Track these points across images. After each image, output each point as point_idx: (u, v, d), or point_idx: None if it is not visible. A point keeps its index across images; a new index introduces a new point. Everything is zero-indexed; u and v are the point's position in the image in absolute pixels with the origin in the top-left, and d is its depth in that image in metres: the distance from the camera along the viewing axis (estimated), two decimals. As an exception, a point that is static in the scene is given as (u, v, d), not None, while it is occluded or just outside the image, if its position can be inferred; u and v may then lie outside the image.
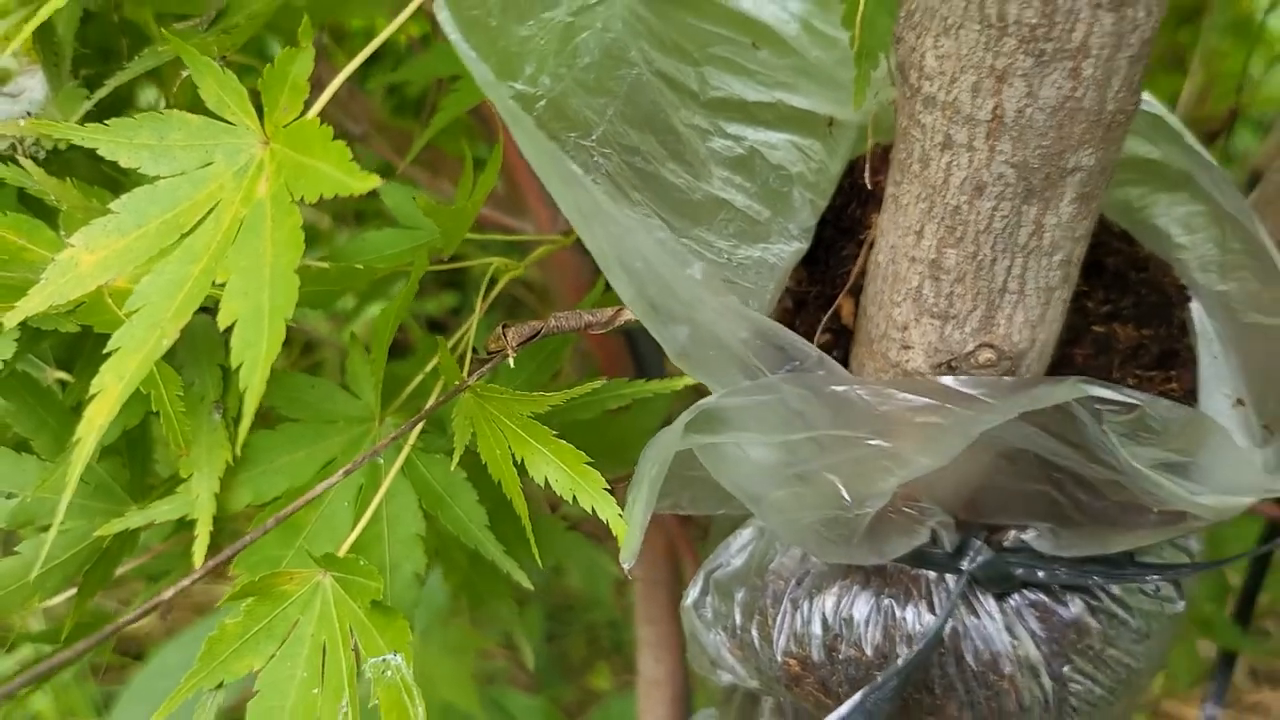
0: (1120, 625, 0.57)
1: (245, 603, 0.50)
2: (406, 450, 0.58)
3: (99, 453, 0.59)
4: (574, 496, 0.51)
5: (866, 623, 0.57)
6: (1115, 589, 0.57)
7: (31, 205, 0.55)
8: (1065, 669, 0.57)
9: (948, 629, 0.56)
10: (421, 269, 0.55)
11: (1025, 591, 0.57)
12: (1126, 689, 0.59)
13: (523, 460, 0.52)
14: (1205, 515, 0.50)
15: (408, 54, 1.11)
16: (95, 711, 1.56)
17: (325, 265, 0.56)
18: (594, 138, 0.50)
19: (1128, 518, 0.52)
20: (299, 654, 0.50)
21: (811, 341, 0.57)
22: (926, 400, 0.47)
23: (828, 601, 0.58)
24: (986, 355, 0.51)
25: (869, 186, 0.59)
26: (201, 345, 0.57)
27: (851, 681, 0.58)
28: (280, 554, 0.56)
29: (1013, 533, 0.56)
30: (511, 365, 0.53)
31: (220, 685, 0.51)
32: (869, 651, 0.57)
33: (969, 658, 0.56)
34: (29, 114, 0.57)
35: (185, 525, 0.57)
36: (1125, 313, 0.61)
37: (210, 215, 0.43)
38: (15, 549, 0.57)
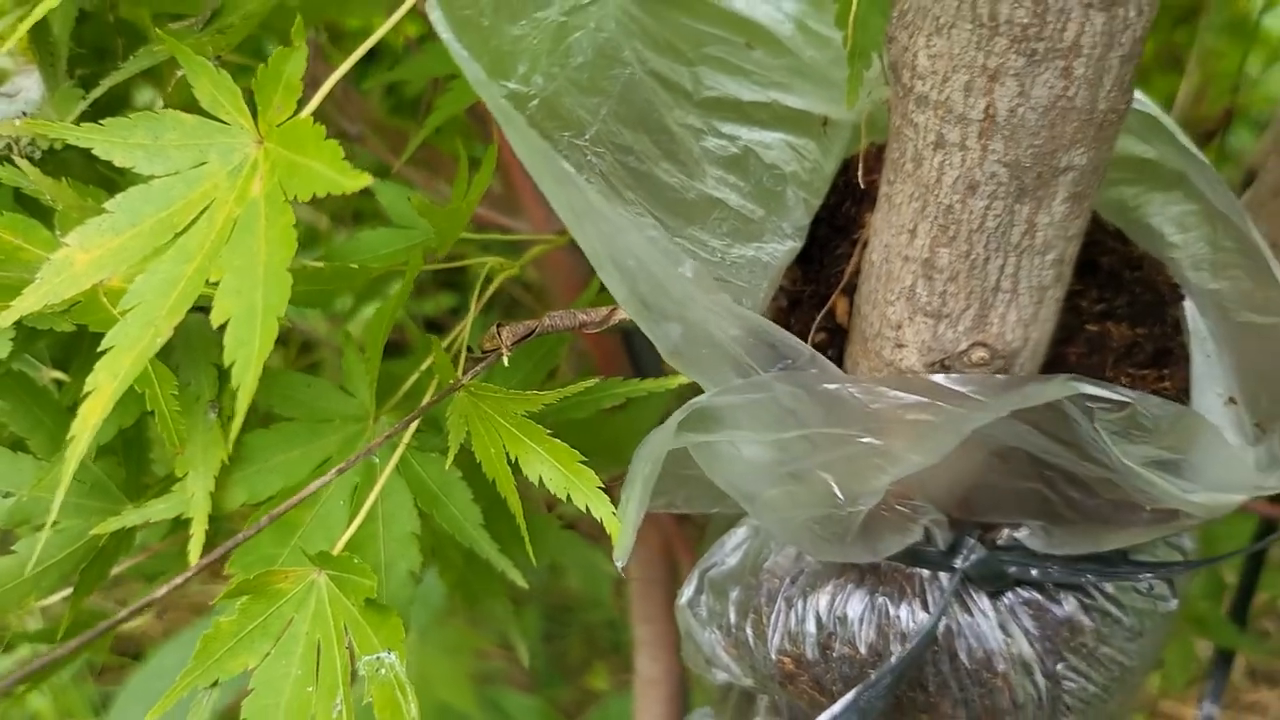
0: (1114, 623, 0.57)
1: (240, 601, 0.51)
2: (401, 449, 0.58)
3: (95, 452, 0.59)
4: (568, 495, 0.51)
5: (860, 621, 0.57)
6: (1109, 587, 0.57)
7: (27, 205, 0.55)
8: (1059, 667, 0.57)
9: (941, 627, 0.56)
10: (416, 268, 0.55)
11: (1019, 589, 0.57)
12: (1120, 687, 0.59)
13: (517, 459, 0.52)
14: (1197, 513, 0.50)
15: (405, 54, 1.11)
16: (93, 712, 1.56)
17: (320, 265, 0.56)
18: (587, 137, 0.50)
19: (1120, 516, 0.52)
20: (294, 652, 0.50)
21: (806, 340, 0.57)
22: (917, 398, 0.47)
23: (822, 600, 0.58)
24: (980, 354, 0.52)
25: (862, 186, 0.60)
26: (197, 345, 0.58)
27: (845, 680, 0.58)
28: (276, 552, 0.57)
29: (1006, 531, 0.56)
30: (506, 364, 0.53)
31: (215, 683, 0.51)
32: (863, 650, 0.57)
33: (963, 656, 0.57)
34: (25, 114, 0.57)
35: (182, 524, 0.57)
36: (1119, 311, 0.61)
37: (204, 214, 0.43)
38: (11, 548, 0.57)
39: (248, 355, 0.39)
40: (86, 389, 0.40)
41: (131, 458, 0.61)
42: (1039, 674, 0.57)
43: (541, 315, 0.55)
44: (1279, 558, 1.79)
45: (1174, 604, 0.59)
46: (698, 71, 0.56)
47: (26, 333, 0.54)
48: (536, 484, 0.52)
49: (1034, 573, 0.56)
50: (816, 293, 0.61)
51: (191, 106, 0.46)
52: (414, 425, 0.57)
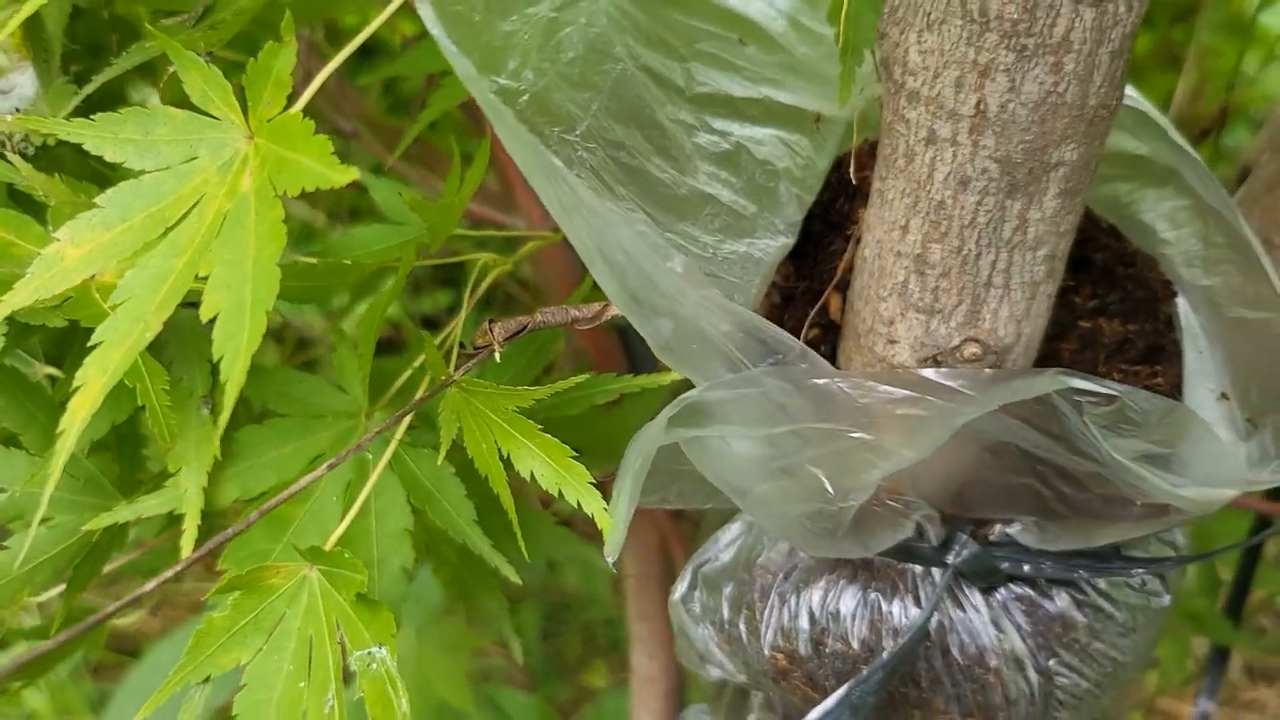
0: (1106, 619, 0.57)
1: (232, 596, 0.51)
2: (394, 445, 0.58)
3: (89, 448, 0.59)
4: (560, 491, 0.51)
5: (853, 617, 0.57)
6: (1101, 583, 0.57)
7: (20, 201, 0.55)
8: (1051, 662, 0.57)
9: (934, 623, 0.56)
10: (409, 264, 0.55)
11: (1011, 585, 0.57)
12: (1113, 682, 0.59)
13: (509, 454, 0.52)
14: (1188, 508, 0.50)
15: (402, 52, 1.12)
16: (91, 709, 1.56)
17: (313, 261, 0.56)
18: (578, 132, 0.51)
19: (1111, 511, 0.52)
20: (286, 647, 0.51)
21: (799, 336, 0.58)
22: (907, 392, 0.47)
23: (815, 595, 0.58)
24: (972, 350, 0.52)
25: (854, 182, 0.60)
26: (190, 340, 0.58)
27: (838, 675, 0.58)
28: (268, 548, 0.57)
29: (998, 526, 0.56)
30: (498, 360, 0.53)
31: (208, 679, 0.51)
32: (855, 645, 0.57)
33: (955, 651, 0.57)
34: (18, 110, 0.57)
35: (177, 520, 0.57)
36: (1112, 308, 0.61)
37: (195, 209, 0.43)
38: (4, 544, 0.57)
39: (236, 349, 0.39)
40: (76, 384, 0.40)
41: (125, 453, 0.61)
42: (1031, 669, 0.57)
43: (535, 312, 0.55)
44: (1275, 555, 1.79)
45: (1167, 600, 0.59)
46: (690, 67, 0.56)
47: (19, 328, 0.55)
48: (528, 479, 0.52)
49: (1026, 568, 0.56)
50: (810, 289, 0.61)
51: (184, 102, 0.46)
52: (407, 421, 0.57)
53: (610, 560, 0.48)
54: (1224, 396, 0.57)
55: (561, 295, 0.93)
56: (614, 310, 0.54)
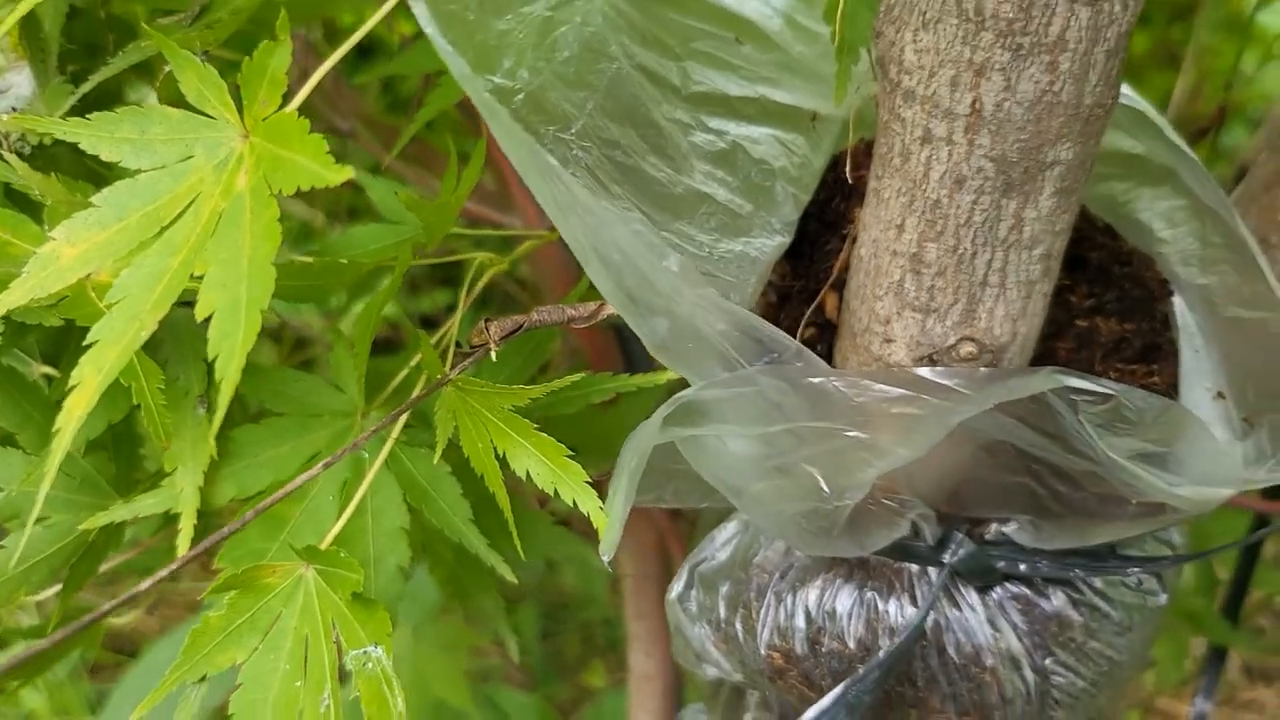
0: (1102, 618, 0.57)
1: (228, 596, 0.51)
2: (390, 444, 0.58)
3: (85, 447, 0.59)
4: (555, 489, 0.51)
5: (849, 615, 0.57)
6: (1097, 582, 0.57)
7: (17, 200, 0.55)
8: (1047, 661, 0.57)
9: (930, 622, 0.56)
10: (405, 263, 0.55)
11: (1007, 584, 0.57)
12: (1109, 681, 0.59)
13: (504, 453, 0.52)
14: (1184, 507, 0.50)
15: (399, 52, 1.12)
16: (89, 709, 1.56)
17: (310, 260, 0.56)
18: (573, 131, 0.51)
19: (1107, 509, 0.52)
20: (282, 647, 0.51)
21: (795, 335, 0.58)
22: (902, 391, 0.47)
23: (811, 594, 0.58)
24: (968, 349, 0.52)
25: (850, 181, 0.60)
26: (186, 340, 0.58)
27: (834, 674, 0.58)
28: (264, 547, 0.57)
29: (994, 526, 0.56)
30: (494, 359, 0.53)
31: (204, 678, 0.51)
32: (852, 644, 0.57)
33: (951, 650, 0.57)
34: (14, 109, 0.57)
35: (174, 520, 0.57)
36: (1108, 307, 0.61)
37: (190, 208, 0.43)
38: (0, 543, 0.57)
39: (231, 348, 0.39)
40: (71, 383, 0.40)
41: (122, 453, 0.61)
42: (1027, 669, 0.57)
43: (531, 311, 0.55)
44: (1274, 555, 1.79)
45: (1163, 599, 0.59)
46: (686, 66, 0.56)
47: (15, 327, 0.55)
48: (524, 478, 0.52)
49: (1022, 567, 0.56)
50: (806, 288, 0.61)
51: (181, 101, 0.46)
52: (403, 420, 0.57)
53: (606, 559, 0.48)
54: (1220, 395, 0.57)
55: (558, 294, 0.93)
56: (610, 309, 0.54)
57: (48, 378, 0.62)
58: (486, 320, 0.53)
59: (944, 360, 0.52)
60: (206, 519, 0.58)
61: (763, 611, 0.59)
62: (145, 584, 0.43)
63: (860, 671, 0.54)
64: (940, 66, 0.45)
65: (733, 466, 0.50)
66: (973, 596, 0.56)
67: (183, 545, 0.55)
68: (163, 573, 0.43)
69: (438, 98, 0.64)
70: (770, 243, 0.57)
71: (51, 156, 0.58)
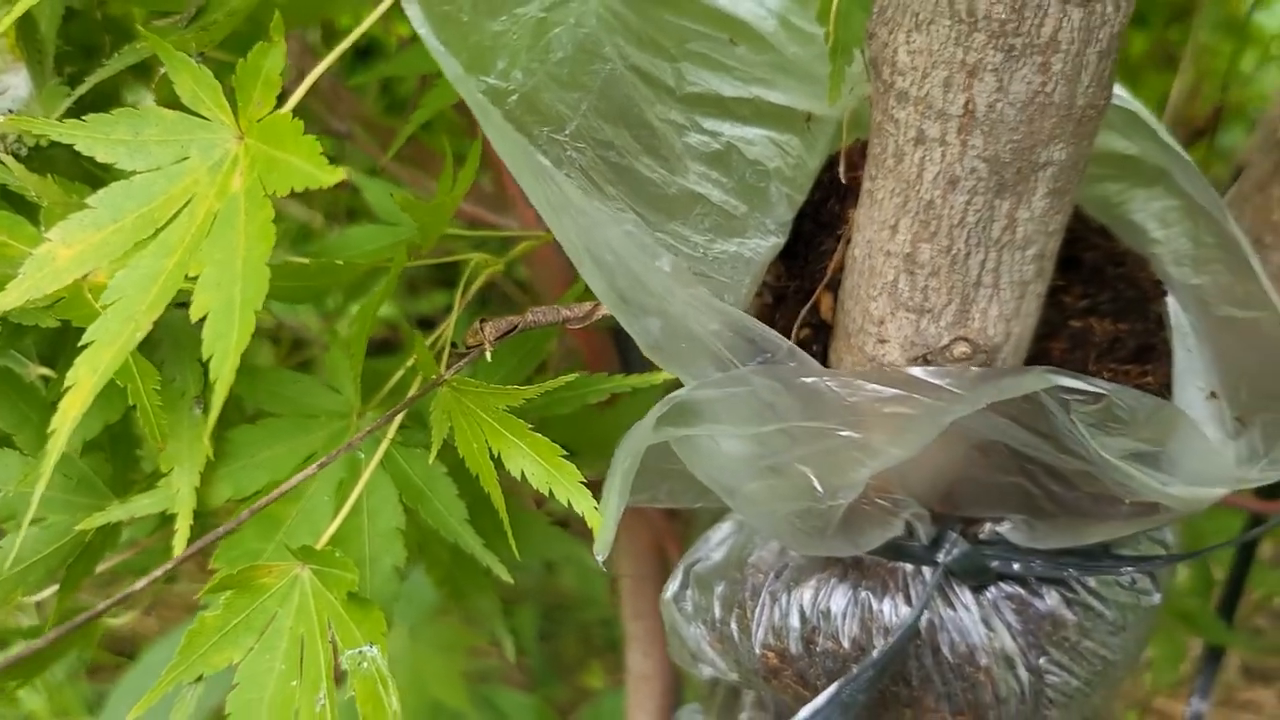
0: (1096, 617, 0.57)
1: (224, 596, 0.51)
2: (385, 444, 0.58)
3: (82, 448, 0.59)
4: (550, 490, 0.51)
5: (844, 615, 0.58)
6: (1091, 581, 0.57)
7: (13, 202, 0.55)
8: (1041, 661, 0.57)
9: (924, 621, 0.57)
10: (400, 264, 0.55)
11: (1001, 584, 0.57)
12: (1103, 681, 0.59)
13: (499, 454, 0.52)
14: (1176, 506, 0.51)
15: (399, 53, 1.12)
16: (88, 711, 1.56)
17: (305, 261, 0.56)
18: (567, 132, 0.51)
19: (1100, 509, 0.52)
20: (277, 647, 0.51)
21: (790, 336, 0.58)
22: (895, 391, 0.48)
23: (805, 594, 0.58)
24: (962, 349, 0.52)
25: (844, 182, 0.60)
26: (183, 341, 0.58)
27: (829, 674, 0.58)
28: (260, 548, 0.57)
29: (988, 525, 0.56)
30: (489, 359, 0.53)
31: (200, 678, 0.51)
32: (846, 644, 0.57)
33: (945, 650, 0.57)
34: (11, 111, 0.58)
35: (171, 521, 0.57)
36: (1102, 307, 0.61)
37: (185, 209, 0.43)
38: (-2, 544, 0.57)
39: (225, 348, 0.39)
40: (67, 384, 0.40)
41: (118, 453, 0.61)
42: (1022, 668, 0.57)
43: (526, 311, 0.55)
44: (1271, 555, 1.79)
45: (1157, 598, 0.59)
46: (680, 67, 0.56)
47: (12, 328, 0.55)
48: (519, 478, 0.52)
49: (1016, 567, 0.56)
50: (801, 288, 0.61)
51: (177, 103, 0.46)
52: (398, 421, 0.57)
53: (600, 558, 0.48)
54: (1213, 395, 0.57)
55: (555, 295, 0.93)
56: (605, 310, 0.54)
57: (45, 379, 0.62)
58: (481, 321, 0.53)
59: (938, 360, 0.52)
60: (203, 519, 0.58)
61: (758, 611, 0.60)
62: (140, 584, 0.43)
63: (854, 671, 0.54)
64: (933, 68, 0.46)
65: (726, 466, 0.50)
66: (967, 596, 0.57)
67: (179, 546, 0.55)
68: (157, 572, 0.43)
69: (433, 99, 0.64)
70: (765, 244, 0.58)
71: (49, 158, 0.59)
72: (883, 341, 0.53)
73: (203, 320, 0.41)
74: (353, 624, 0.50)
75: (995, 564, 0.56)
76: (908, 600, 0.57)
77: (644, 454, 0.48)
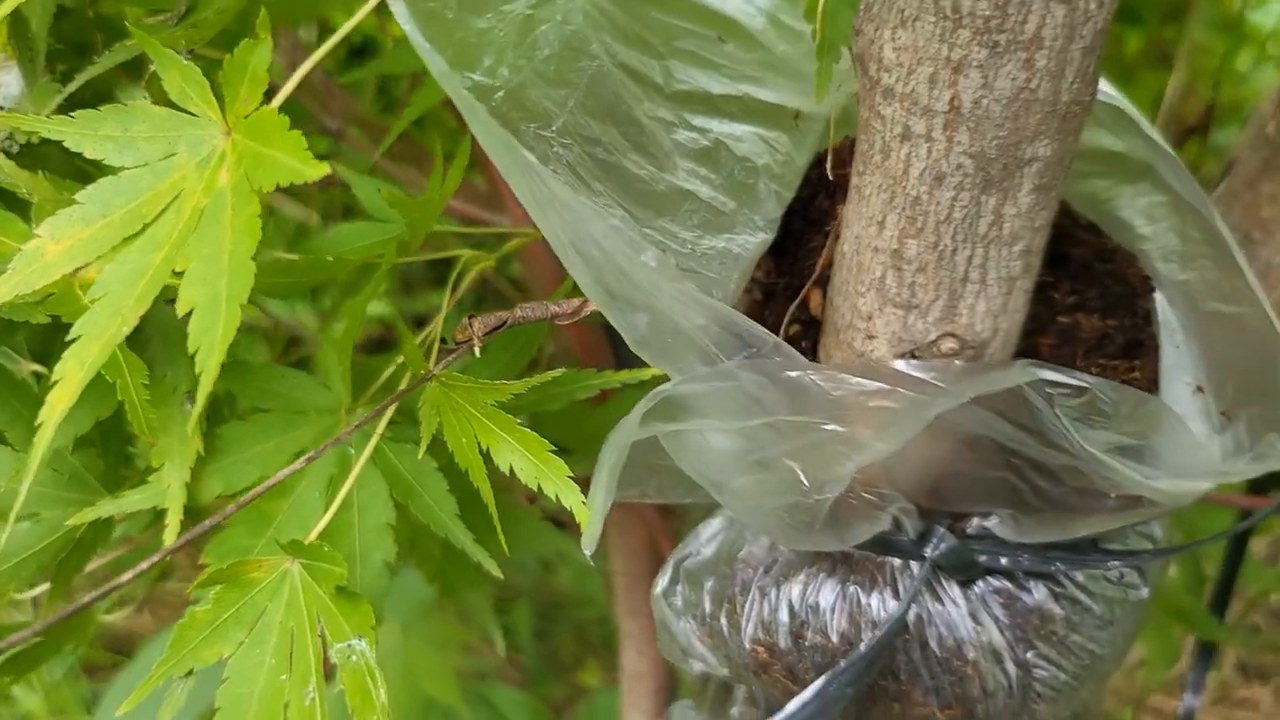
0: (1084, 611, 0.58)
1: (214, 590, 0.51)
2: (375, 439, 0.58)
3: (74, 444, 0.60)
4: (539, 485, 0.52)
5: (832, 610, 0.58)
6: (1079, 575, 0.57)
7: (4, 198, 0.56)
8: (1029, 655, 0.57)
9: (912, 616, 0.57)
10: (390, 260, 0.56)
11: (989, 578, 0.57)
12: (1091, 675, 0.59)
13: (488, 449, 0.53)
14: (1162, 500, 0.51)
15: (392, 51, 1.12)
16: (85, 710, 1.56)
17: (295, 257, 0.56)
18: (554, 128, 0.51)
19: (1086, 503, 0.53)
20: (267, 641, 0.51)
21: (779, 332, 0.58)
22: (879, 385, 0.48)
23: (795, 589, 0.59)
24: (949, 344, 0.52)
25: (832, 179, 0.60)
26: (173, 338, 0.58)
27: (818, 668, 0.58)
28: (250, 543, 0.57)
29: (976, 520, 0.56)
30: (478, 355, 0.53)
31: (190, 673, 0.52)
32: (835, 638, 0.58)
33: (933, 644, 0.57)
34: (2, 108, 0.58)
35: (163, 516, 0.58)
36: (1090, 303, 0.61)
37: (173, 205, 0.43)
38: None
39: (211, 342, 0.39)
40: (54, 377, 0.41)
41: (110, 450, 0.62)
42: (1009, 662, 0.57)
43: (515, 307, 0.55)
44: (1266, 553, 1.79)
45: (1145, 592, 0.59)
46: (668, 65, 0.56)
47: (4, 325, 0.55)
48: (508, 473, 0.52)
49: (1004, 561, 0.56)
50: (790, 285, 0.62)
51: (168, 100, 0.46)
52: (388, 416, 0.57)
53: (587, 552, 0.48)
54: (1200, 390, 0.57)
55: (548, 292, 0.93)
56: (593, 306, 0.54)
57: (37, 375, 0.62)
58: (470, 317, 0.53)
59: (925, 356, 0.52)
60: (195, 515, 0.58)
61: (747, 606, 0.60)
62: (127, 575, 0.43)
63: (841, 665, 0.54)
64: (919, 64, 0.46)
65: (714, 461, 0.50)
66: (955, 590, 0.57)
67: (169, 541, 0.55)
68: (144, 565, 0.44)
69: (423, 97, 0.65)
70: (753, 240, 0.58)
71: (41, 155, 0.59)
72: (871, 337, 0.53)
73: (182, 312, 0.41)
74: (341, 617, 0.50)
75: (983, 558, 0.56)
76: (896, 595, 0.57)
77: (633, 449, 0.49)
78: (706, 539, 0.63)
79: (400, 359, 0.61)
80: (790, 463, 0.49)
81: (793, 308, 0.59)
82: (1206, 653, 0.96)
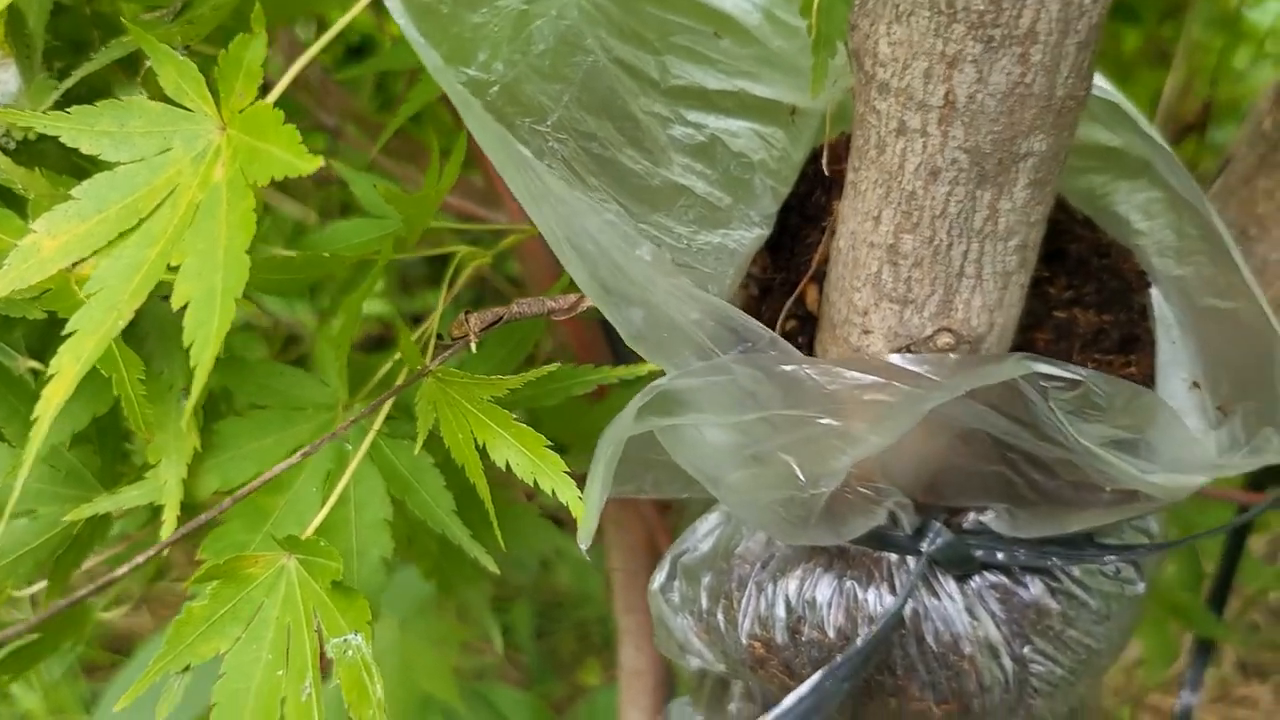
0: (1080, 606, 0.58)
1: (211, 586, 0.51)
2: (372, 435, 0.58)
3: (70, 440, 0.60)
4: (535, 480, 0.52)
5: (829, 605, 0.58)
6: (1075, 570, 0.57)
7: (1, 195, 0.56)
8: (1025, 650, 0.57)
9: (909, 611, 0.57)
10: (387, 256, 0.56)
11: (986, 573, 0.57)
12: (1087, 670, 0.59)
13: (484, 444, 0.53)
14: (1157, 494, 0.51)
15: (390, 49, 1.12)
16: (84, 709, 1.57)
17: (292, 254, 0.56)
18: (549, 123, 0.51)
19: (1082, 497, 0.53)
20: (264, 636, 0.51)
21: (776, 328, 0.58)
22: (874, 378, 0.48)
23: (791, 584, 0.59)
24: (945, 339, 0.52)
25: (827, 174, 0.60)
26: (170, 334, 0.58)
27: (814, 663, 0.58)
28: (248, 539, 0.57)
29: (972, 515, 0.56)
30: (474, 350, 0.53)
31: (187, 668, 0.52)
32: (831, 633, 0.58)
33: (930, 639, 0.57)
34: (-1, 105, 0.58)
35: (161, 513, 0.58)
36: (1087, 298, 0.61)
37: (168, 200, 0.44)
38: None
39: (206, 335, 0.40)
40: (50, 371, 0.41)
41: (107, 446, 0.62)
42: (1006, 657, 0.57)
43: (511, 303, 0.55)
44: (1265, 551, 1.79)
45: (1141, 587, 0.59)
46: (664, 60, 0.56)
47: (2, 321, 0.55)
48: (504, 468, 0.52)
49: (1000, 556, 0.56)
50: (787, 280, 0.62)
51: (164, 96, 0.46)
52: (385, 411, 0.57)
53: (583, 547, 0.48)
54: (1195, 385, 0.57)
55: (545, 288, 0.93)
56: (590, 301, 0.54)
57: (34, 373, 0.62)
58: (466, 312, 0.53)
59: (921, 351, 0.52)
60: (193, 512, 0.58)
61: (744, 601, 0.60)
62: (123, 569, 0.43)
63: (838, 660, 0.54)
64: (914, 59, 0.46)
65: (710, 456, 0.50)
66: (951, 585, 0.57)
67: (165, 537, 0.55)
68: (140, 558, 0.44)
69: (419, 93, 0.65)
70: (749, 235, 0.58)
71: (38, 152, 0.59)
72: (867, 332, 0.53)
73: (177, 306, 0.41)
74: (337, 612, 0.50)
75: (979, 553, 0.56)
76: (892, 590, 0.57)
77: (628, 444, 0.49)
78: (703, 534, 0.63)
79: (397, 355, 0.61)
80: (785, 457, 0.49)
81: (789, 303, 0.59)
82: (1204, 650, 0.96)
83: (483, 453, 0.53)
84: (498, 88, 0.49)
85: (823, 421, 0.48)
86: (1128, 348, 0.60)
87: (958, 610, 0.57)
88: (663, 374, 0.50)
